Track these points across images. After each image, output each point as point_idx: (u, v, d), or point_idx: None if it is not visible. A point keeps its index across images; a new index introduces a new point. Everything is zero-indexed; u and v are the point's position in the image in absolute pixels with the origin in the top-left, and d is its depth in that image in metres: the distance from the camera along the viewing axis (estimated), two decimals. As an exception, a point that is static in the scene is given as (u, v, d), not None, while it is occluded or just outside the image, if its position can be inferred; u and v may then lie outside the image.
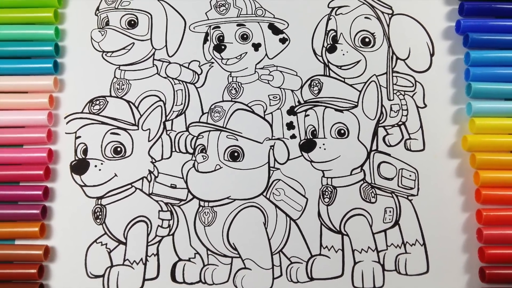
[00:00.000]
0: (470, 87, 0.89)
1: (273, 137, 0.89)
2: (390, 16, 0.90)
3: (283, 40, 0.90)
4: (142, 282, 0.87)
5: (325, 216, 0.88)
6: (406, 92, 0.90)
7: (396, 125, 0.89)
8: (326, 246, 0.88)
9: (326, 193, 0.88)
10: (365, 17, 0.90)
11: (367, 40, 0.90)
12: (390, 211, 0.88)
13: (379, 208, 0.88)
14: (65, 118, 0.89)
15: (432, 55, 0.90)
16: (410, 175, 0.89)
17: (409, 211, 0.89)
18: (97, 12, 0.91)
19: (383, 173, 0.89)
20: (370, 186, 0.88)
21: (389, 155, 0.89)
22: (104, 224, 0.88)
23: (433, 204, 0.89)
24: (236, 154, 0.88)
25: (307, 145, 0.88)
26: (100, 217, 0.88)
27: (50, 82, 0.88)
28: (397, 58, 0.90)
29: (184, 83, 0.89)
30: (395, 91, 0.89)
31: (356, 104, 0.89)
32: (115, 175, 0.88)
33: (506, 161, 0.89)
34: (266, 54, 0.90)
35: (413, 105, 0.89)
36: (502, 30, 0.90)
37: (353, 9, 0.90)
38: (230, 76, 0.90)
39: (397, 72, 0.90)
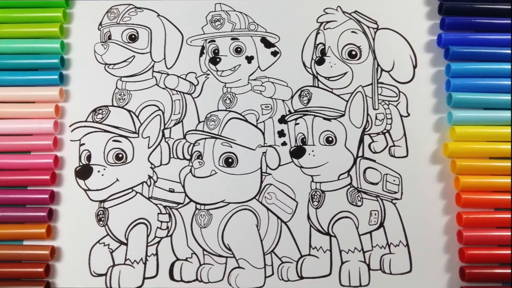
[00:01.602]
0: (450, 97, 0.94)
1: (265, 144, 0.94)
2: (375, 30, 0.95)
3: (274, 53, 0.95)
4: (142, 281, 0.93)
5: (314, 218, 0.93)
6: (390, 102, 0.95)
7: (381, 133, 0.94)
8: (315, 247, 0.93)
9: (315, 197, 0.93)
10: (352, 31, 0.95)
11: (353, 53, 0.95)
12: (375, 214, 0.93)
13: (365, 211, 0.93)
14: (70, 126, 0.94)
15: (415, 67, 0.95)
16: (394, 180, 0.94)
17: (393, 214, 0.94)
18: (100, 27, 0.96)
19: (369, 178, 0.94)
20: (356, 191, 0.93)
21: (374, 161, 0.94)
22: (106, 226, 0.93)
23: (416, 208, 0.94)
24: (230, 160, 0.93)
25: (297, 152, 0.94)
26: (103, 219, 0.93)
27: (56, 92, 0.94)
28: (382, 70, 0.95)
29: (181, 93, 0.94)
30: (380, 101, 0.94)
31: (343, 113, 0.94)
32: (117, 180, 0.94)
33: (485, 166, 0.94)
34: (259, 66, 0.95)
35: (397, 114, 0.95)
36: (481, 43, 0.95)
37: (340, 23, 0.95)
38: (225, 87, 0.95)
39: (382, 83, 0.95)
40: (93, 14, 0.95)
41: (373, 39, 0.95)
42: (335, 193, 0.93)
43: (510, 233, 0.92)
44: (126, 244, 0.93)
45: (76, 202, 0.94)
